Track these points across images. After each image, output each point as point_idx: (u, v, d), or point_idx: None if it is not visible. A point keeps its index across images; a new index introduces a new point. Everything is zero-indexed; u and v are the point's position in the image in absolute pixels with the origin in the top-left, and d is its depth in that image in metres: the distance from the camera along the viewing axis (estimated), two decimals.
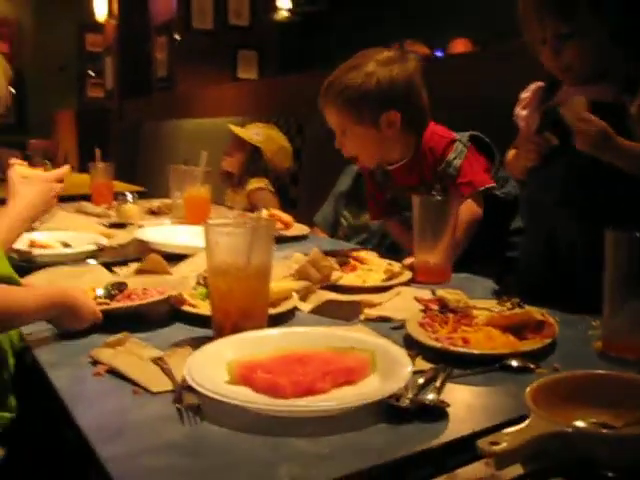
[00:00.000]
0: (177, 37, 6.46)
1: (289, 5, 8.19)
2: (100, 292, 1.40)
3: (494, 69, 2.80)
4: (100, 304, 1.33)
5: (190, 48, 6.46)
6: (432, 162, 1.97)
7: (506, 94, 1.86)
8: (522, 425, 0.80)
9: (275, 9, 7.46)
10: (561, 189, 1.55)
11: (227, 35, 6.58)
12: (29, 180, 1.69)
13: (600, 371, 0.97)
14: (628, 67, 1.53)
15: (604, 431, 0.84)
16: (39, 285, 1.46)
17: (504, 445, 0.76)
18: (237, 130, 3.28)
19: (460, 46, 5.21)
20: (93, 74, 9.93)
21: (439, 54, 6.03)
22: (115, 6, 7.89)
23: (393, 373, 0.99)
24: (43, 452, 1.23)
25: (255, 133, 3.24)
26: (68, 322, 1.24)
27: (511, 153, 1.74)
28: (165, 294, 1.37)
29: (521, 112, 1.73)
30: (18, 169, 1.70)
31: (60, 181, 1.76)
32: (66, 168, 1.82)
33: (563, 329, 1.27)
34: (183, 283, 1.45)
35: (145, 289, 1.42)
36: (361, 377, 1.02)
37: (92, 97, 9.84)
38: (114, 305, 1.34)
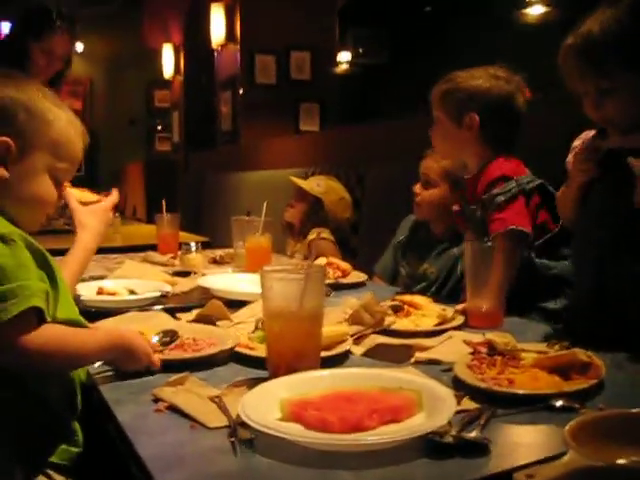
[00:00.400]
0: (241, 92, 6.66)
1: (349, 58, 8.37)
2: (155, 339, 1.48)
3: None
4: (155, 351, 1.40)
5: (253, 102, 6.64)
6: (481, 187, 2.02)
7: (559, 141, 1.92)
8: (559, 460, 0.83)
9: (336, 63, 7.62)
10: (614, 224, 1.59)
11: (289, 88, 6.75)
12: (92, 211, 1.79)
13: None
14: None
15: (635, 465, 0.86)
16: (100, 327, 1.55)
17: (538, 478, 0.80)
18: (299, 182, 3.36)
19: None
20: (160, 128, 10.27)
21: None
22: (182, 63, 8.20)
23: (437, 411, 1.03)
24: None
25: (316, 184, 3.31)
26: (125, 363, 1.33)
27: (561, 190, 1.79)
28: (214, 346, 1.45)
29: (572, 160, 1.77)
30: (75, 195, 1.79)
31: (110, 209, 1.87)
32: (116, 195, 1.91)
33: (612, 371, 1.29)
34: (231, 336, 1.52)
35: (195, 339, 1.51)
36: (407, 415, 1.06)
37: (160, 150, 10.17)
38: (168, 356, 1.41)
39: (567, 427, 0.90)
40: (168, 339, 1.49)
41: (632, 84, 1.56)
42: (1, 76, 1.38)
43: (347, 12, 7.39)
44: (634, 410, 0.97)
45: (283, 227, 3.39)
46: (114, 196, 1.89)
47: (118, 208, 7.35)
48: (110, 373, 1.34)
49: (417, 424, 1.03)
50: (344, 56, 8.24)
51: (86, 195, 1.87)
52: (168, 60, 8.36)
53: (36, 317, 1.18)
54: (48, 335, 1.19)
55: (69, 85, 10.33)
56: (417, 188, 2.57)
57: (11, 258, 1.19)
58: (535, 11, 5.70)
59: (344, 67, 8.21)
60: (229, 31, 6.69)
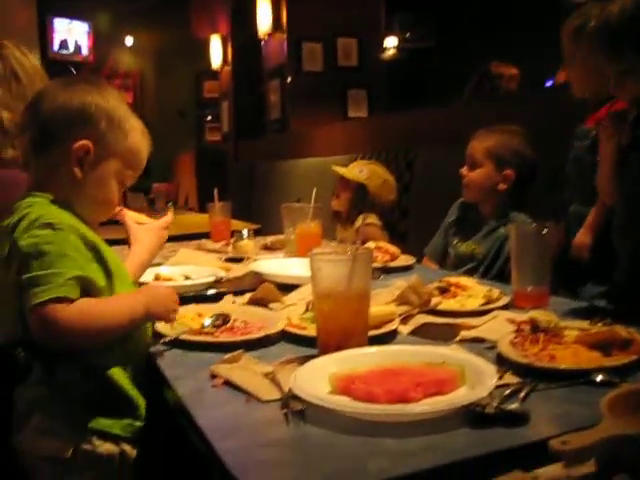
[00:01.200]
0: (289, 80, 6.72)
1: (396, 43, 8.36)
2: (207, 322, 1.56)
3: None
4: (206, 333, 1.50)
5: (301, 90, 6.69)
6: None
7: None
8: (593, 428, 0.88)
9: (383, 48, 7.62)
10: None
11: (336, 75, 6.78)
12: (147, 228, 1.85)
13: None
14: None
15: None
16: None
17: (573, 444, 0.84)
18: (341, 170, 3.39)
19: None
20: (210, 118, 10.40)
21: (549, 84, 6.05)
22: (230, 54, 8.28)
23: (479, 384, 1.09)
24: (171, 452, 1.38)
25: (359, 171, 3.33)
26: (156, 312, 1.43)
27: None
28: (264, 329, 1.52)
29: None
30: (130, 214, 1.87)
31: (165, 228, 1.91)
32: (171, 216, 1.96)
33: None
34: (281, 318, 1.59)
35: (246, 322, 1.59)
36: (451, 389, 1.11)
37: (210, 140, 10.29)
38: (219, 338, 1.49)
39: (604, 398, 0.94)
40: (220, 322, 1.56)
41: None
42: (85, 82, 1.47)
43: None
44: None
45: (331, 216, 3.42)
46: (169, 216, 1.95)
47: (171, 198, 7.48)
48: (172, 352, 1.43)
49: (460, 396, 1.08)
50: (391, 41, 8.23)
51: (141, 217, 1.94)
52: (216, 51, 8.45)
53: (69, 303, 1.27)
54: (76, 309, 1.27)
55: (120, 78, 10.54)
56: (464, 170, 2.65)
57: (55, 245, 1.28)
58: None
59: (391, 52, 8.21)
60: (276, 20, 6.74)
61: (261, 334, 1.50)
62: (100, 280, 1.35)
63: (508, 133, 2.62)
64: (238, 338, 1.49)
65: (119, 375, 1.35)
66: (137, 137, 1.49)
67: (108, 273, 1.38)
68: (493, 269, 2.48)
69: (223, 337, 1.50)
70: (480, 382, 1.10)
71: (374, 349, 1.30)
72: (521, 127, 2.66)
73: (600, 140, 1.82)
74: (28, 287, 1.25)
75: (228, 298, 1.89)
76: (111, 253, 1.44)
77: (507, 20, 8.09)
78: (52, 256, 1.27)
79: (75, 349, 1.31)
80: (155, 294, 1.45)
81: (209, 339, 1.48)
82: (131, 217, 1.86)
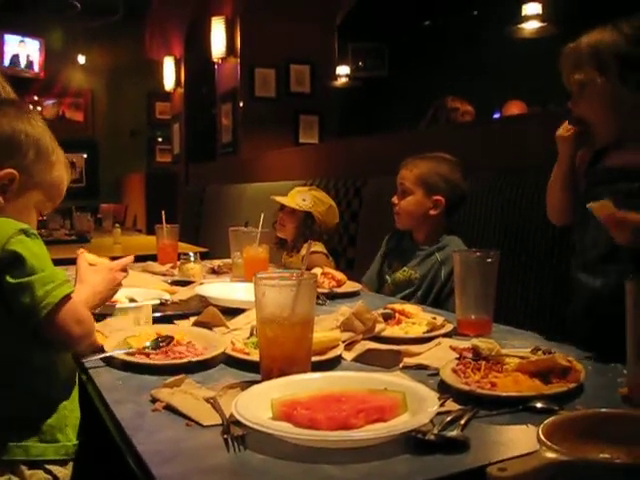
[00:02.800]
0: (241, 104, 6.73)
1: (348, 71, 8.45)
2: (148, 344, 1.55)
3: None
4: (145, 354, 1.49)
5: (253, 114, 6.71)
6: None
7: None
8: (531, 455, 0.89)
9: (335, 76, 7.69)
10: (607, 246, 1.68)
11: (289, 101, 6.82)
12: (96, 268, 1.78)
13: (612, 409, 1.05)
14: None
15: (605, 459, 0.92)
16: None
17: (510, 471, 0.85)
18: (284, 200, 3.32)
19: (514, 108, 5.32)
20: (161, 140, 10.36)
21: (496, 116, 6.18)
22: (183, 76, 8.28)
23: (421, 411, 1.09)
24: (108, 476, 1.35)
25: (302, 199, 3.26)
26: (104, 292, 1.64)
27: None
28: (207, 351, 1.53)
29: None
30: (87, 256, 1.83)
31: (124, 270, 1.84)
32: (129, 258, 1.91)
33: (594, 376, 1.36)
34: (225, 341, 1.59)
35: (190, 343, 1.58)
36: (392, 415, 1.12)
37: (160, 162, 10.25)
38: (163, 361, 1.48)
39: (541, 426, 0.95)
40: (165, 343, 1.54)
41: (600, 86, 1.75)
42: (15, 107, 1.44)
43: (346, 26, 7.46)
44: (604, 410, 1.03)
45: (276, 244, 3.37)
46: (127, 258, 1.89)
47: (118, 219, 7.43)
48: (111, 376, 1.41)
49: (401, 422, 1.09)
50: (343, 70, 8.30)
51: (100, 260, 1.86)
52: (169, 72, 8.44)
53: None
54: (80, 311, 1.37)
55: (71, 97, 10.45)
56: (395, 199, 2.70)
57: (40, 248, 1.31)
58: (531, 26, 5.78)
59: (343, 80, 8.27)
60: (229, 44, 6.77)
61: (207, 355, 1.49)
62: None
63: (436, 160, 2.66)
64: (175, 361, 1.47)
65: (50, 399, 1.33)
66: (61, 170, 1.48)
67: None
68: (431, 294, 2.51)
69: (158, 359, 1.49)
70: (421, 409, 1.10)
71: (317, 375, 1.30)
72: (452, 155, 2.70)
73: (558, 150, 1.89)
74: (34, 289, 1.26)
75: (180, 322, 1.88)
76: None
77: (455, 53, 8.25)
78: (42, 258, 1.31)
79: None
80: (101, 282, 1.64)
81: (144, 360, 1.47)
82: (88, 259, 1.82)
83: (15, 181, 1.37)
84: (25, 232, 1.30)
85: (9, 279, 1.25)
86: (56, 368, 1.38)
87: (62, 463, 1.31)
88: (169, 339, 1.57)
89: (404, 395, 1.15)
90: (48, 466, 1.29)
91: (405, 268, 2.61)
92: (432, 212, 2.60)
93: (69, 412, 1.35)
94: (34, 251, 1.29)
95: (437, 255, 2.55)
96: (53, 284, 1.28)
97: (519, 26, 5.93)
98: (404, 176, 2.67)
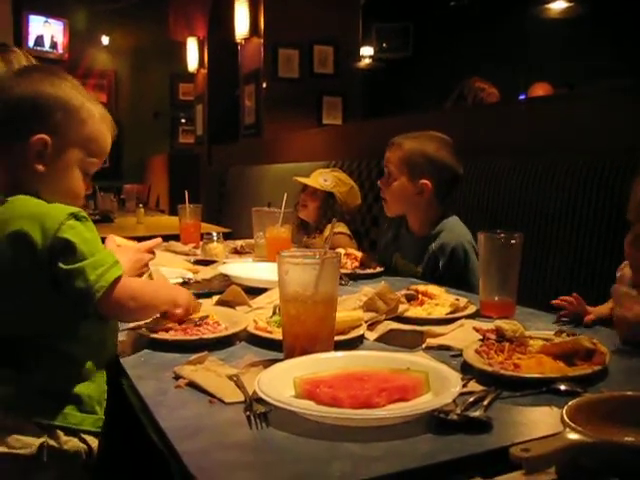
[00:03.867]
0: (264, 85, 6.72)
1: (372, 52, 8.40)
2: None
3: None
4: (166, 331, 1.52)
5: (277, 95, 6.69)
6: None
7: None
8: (554, 436, 0.88)
9: (359, 57, 7.65)
10: None
11: (312, 82, 6.79)
12: (123, 249, 1.80)
13: (637, 393, 1.03)
14: None
15: (627, 440, 0.91)
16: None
17: (533, 452, 0.84)
18: (306, 181, 3.33)
19: (540, 90, 5.27)
20: (184, 121, 10.37)
21: (522, 97, 6.13)
22: (206, 57, 8.26)
23: (444, 391, 1.09)
24: (132, 448, 1.37)
25: (323, 180, 3.25)
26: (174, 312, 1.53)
27: None
28: (226, 331, 1.53)
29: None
30: (116, 239, 1.83)
31: (151, 252, 1.86)
32: (157, 240, 1.92)
33: (619, 359, 1.35)
34: (247, 319, 1.60)
35: (216, 322, 1.58)
36: (415, 395, 1.12)
37: (183, 143, 10.27)
38: (174, 336, 1.49)
39: (565, 407, 0.94)
40: (201, 321, 1.57)
41: None
42: (37, 71, 1.44)
43: (371, 6, 7.42)
44: (630, 392, 1.02)
45: (297, 227, 3.32)
46: (154, 240, 1.90)
47: (141, 199, 7.45)
48: (136, 353, 1.42)
49: (423, 402, 1.09)
50: (367, 50, 8.27)
51: (127, 242, 1.88)
52: (192, 53, 8.43)
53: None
54: (133, 287, 1.40)
55: (94, 78, 10.47)
56: (380, 183, 2.55)
57: (91, 232, 1.33)
58: (558, 6, 5.72)
59: (367, 61, 8.25)
60: (253, 25, 6.74)
61: (220, 334, 1.50)
62: None
63: (422, 139, 2.48)
64: (190, 337, 1.48)
65: (90, 369, 1.34)
66: (96, 124, 1.45)
67: None
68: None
69: (178, 335, 1.50)
70: (444, 389, 1.10)
71: (340, 354, 1.30)
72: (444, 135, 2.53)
73: None
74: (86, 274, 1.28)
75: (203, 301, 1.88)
76: None
77: (480, 33, 8.17)
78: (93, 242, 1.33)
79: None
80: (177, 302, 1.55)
81: (166, 336, 1.48)
82: (117, 241, 1.83)
83: (48, 145, 1.37)
84: (75, 216, 1.31)
85: (62, 265, 1.27)
86: (102, 338, 1.41)
87: (95, 435, 1.33)
88: (205, 317, 1.59)
89: (427, 375, 1.14)
90: (84, 435, 1.31)
91: (407, 262, 2.53)
92: (419, 198, 2.43)
93: (106, 386, 1.37)
94: (85, 236, 1.31)
95: (433, 245, 2.40)
96: (103, 267, 1.30)
97: (546, 6, 5.87)
98: (388, 158, 2.50)
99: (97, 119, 1.45)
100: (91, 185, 1.49)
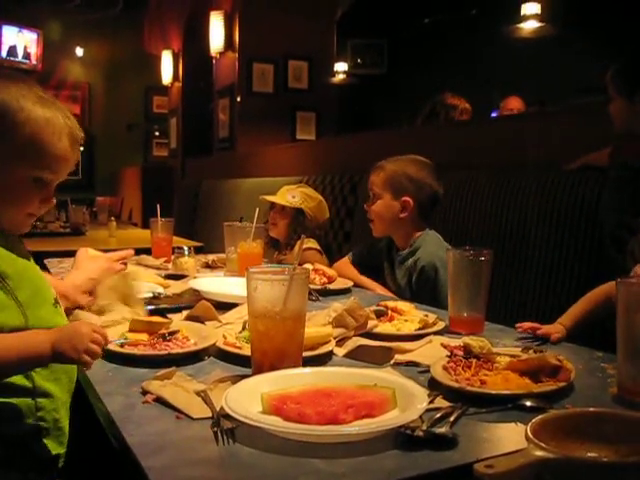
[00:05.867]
0: (238, 99, 6.72)
1: (346, 68, 8.44)
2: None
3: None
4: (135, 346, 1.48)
5: (251, 110, 6.70)
6: None
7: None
8: (518, 452, 0.89)
9: (333, 72, 7.69)
10: None
11: (286, 97, 6.81)
12: (93, 257, 1.79)
13: (601, 409, 1.05)
14: None
15: (591, 457, 0.92)
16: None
17: (497, 468, 0.85)
18: (274, 199, 3.32)
19: (514, 102, 5.30)
20: (158, 134, 10.36)
21: (494, 115, 6.19)
22: (180, 70, 8.26)
23: (410, 407, 1.10)
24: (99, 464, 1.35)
25: (291, 197, 3.26)
26: (64, 349, 1.19)
27: None
28: (195, 346, 1.53)
29: None
30: (89, 250, 1.81)
31: (123, 263, 1.84)
32: (129, 251, 1.91)
33: (584, 376, 1.37)
34: (216, 334, 1.59)
35: (185, 337, 1.58)
36: (382, 411, 1.12)
37: (157, 156, 10.25)
38: (142, 351, 1.48)
39: (530, 424, 0.96)
40: (171, 337, 1.56)
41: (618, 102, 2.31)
42: None
43: (346, 22, 7.46)
44: (593, 409, 1.03)
45: (267, 244, 3.29)
46: (126, 251, 1.89)
47: (114, 212, 7.40)
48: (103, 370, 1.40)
49: (390, 418, 1.09)
50: (341, 66, 8.30)
51: (100, 254, 1.88)
52: (167, 66, 8.42)
53: None
54: None
55: (68, 89, 10.42)
56: (366, 206, 2.66)
57: None
58: (529, 26, 5.80)
59: (341, 77, 8.28)
60: (228, 39, 6.75)
61: (192, 348, 1.50)
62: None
63: (403, 161, 2.62)
64: (159, 352, 1.48)
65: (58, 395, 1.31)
66: (35, 128, 1.28)
67: (17, 302, 1.27)
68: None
69: (145, 350, 1.49)
70: (411, 405, 1.11)
71: (308, 370, 1.30)
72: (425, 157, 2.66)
73: None
74: None
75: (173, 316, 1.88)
76: (27, 273, 1.34)
77: (454, 51, 8.26)
78: None
79: None
80: (68, 332, 1.22)
81: (134, 351, 1.47)
82: (90, 253, 1.81)
83: None
84: None
85: None
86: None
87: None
88: (174, 332, 1.58)
89: (394, 391, 1.15)
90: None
91: (394, 278, 2.61)
92: (402, 215, 2.55)
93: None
94: None
95: (410, 260, 2.52)
96: None
97: (518, 26, 5.94)
98: (372, 181, 2.63)
99: (40, 124, 1.29)
100: (51, 199, 1.37)
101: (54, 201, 1.39)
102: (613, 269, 1.95)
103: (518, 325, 1.76)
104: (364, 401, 1.12)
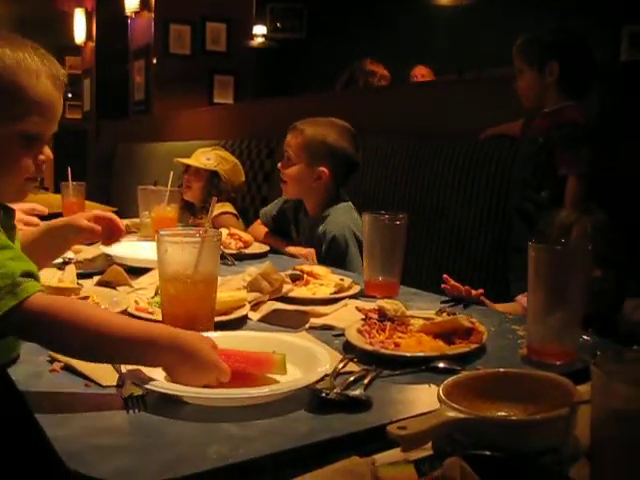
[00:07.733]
0: (154, 61, 6.57)
1: (265, 32, 8.34)
2: None
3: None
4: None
5: (167, 72, 6.57)
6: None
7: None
8: (431, 413, 0.90)
9: (252, 35, 7.59)
10: None
11: (204, 60, 6.70)
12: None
13: (511, 369, 1.07)
14: None
15: (500, 416, 0.94)
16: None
17: (409, 430, 0.86)
18: (188, 161, 3.28)
19: (422, 71, 5.35)
20: (71, 95, 10.03)
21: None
22: (94, 30, 8.01)
23: (314, 369, 1.09)
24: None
25: (206, 159, 3.23)
26: (186, 374, 1.04)
27: None
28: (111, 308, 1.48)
29: None
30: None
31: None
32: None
33: (496, 338, 1.39)
34: (128, 300, 1.55)
35: (96, 303, 1.54)
36: (262, 369, 1.10)
37: (70, 118, 9.92)
38: None
39: (442, 385, 0.96)
40: None
41: (527, 75, 2.38)
42: None
43: None
44: (503, 369, 1.05)
45: (181, 208, 3.24)
46: (113, 215, 1.75)
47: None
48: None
49: (295, 379, 1.08)
50: (260, 29, 8.19)
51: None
52: (80, 25, 8.17)
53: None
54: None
55: None
56: (280, 166, 2.58)
57: None
58: None
59: (260, 41, 8.17)
60: None
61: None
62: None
63: (324, 126, 2.52)
64: None
65: None
66: (6, 73, 1.16)
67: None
68: None
69: None
70: (314, 367, 1.10)
71: (215, 334, 1.27)
72: (345, 120, 2.58)
73: None
74: None
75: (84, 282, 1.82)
76: None
77: (374, 17, 8.24)
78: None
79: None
80: (190, 356, 1.05)
81: None
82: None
83: None
84: None
85: None
86: None
87: None
88: (85, 298, 1.54)
89: (284, 356, 1.10)
90: None
91: (303, 244, 2.55)
92: (316, 184, 2.48)
93: None
94: None
95: (320, 228, 2.44)
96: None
97: None
98: (289, 142, 2.53)
99: (11, 67, 1.17)
100: (46, 154, 1.26)
101: (51, 155, 1.27)
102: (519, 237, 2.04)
103: (445, 277, 1.76)
104: (251, 358, 1.10)
